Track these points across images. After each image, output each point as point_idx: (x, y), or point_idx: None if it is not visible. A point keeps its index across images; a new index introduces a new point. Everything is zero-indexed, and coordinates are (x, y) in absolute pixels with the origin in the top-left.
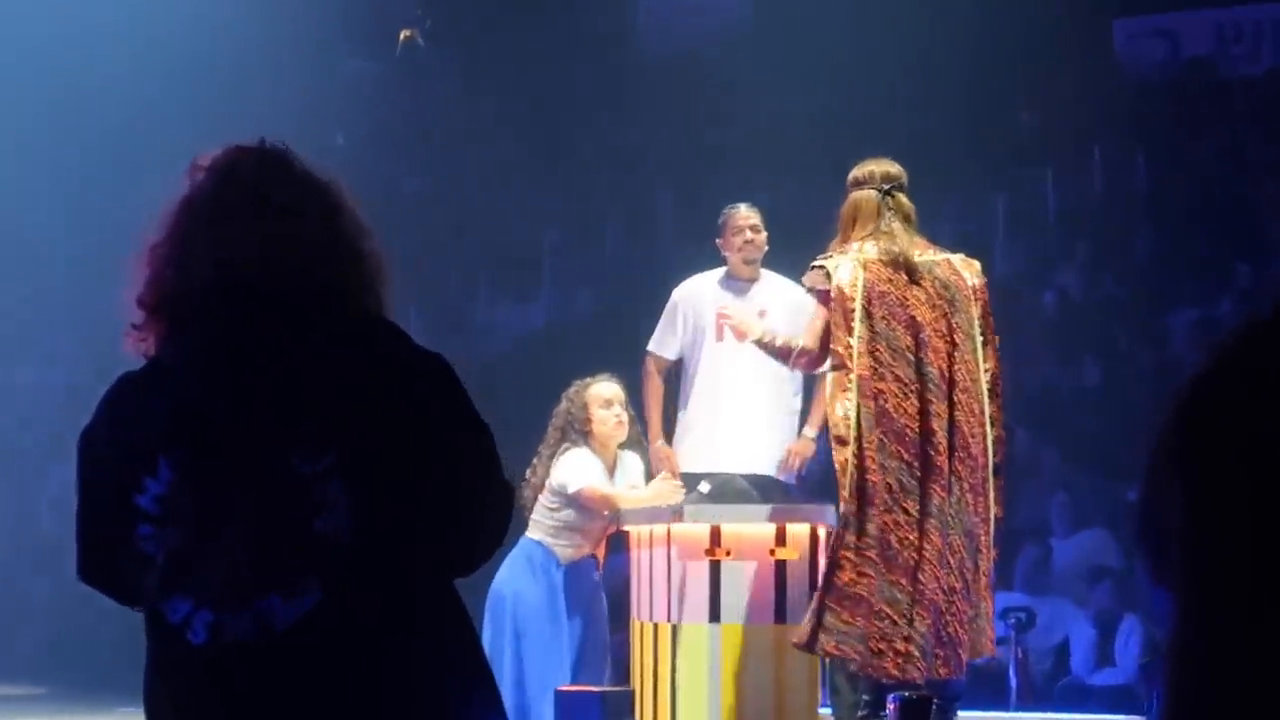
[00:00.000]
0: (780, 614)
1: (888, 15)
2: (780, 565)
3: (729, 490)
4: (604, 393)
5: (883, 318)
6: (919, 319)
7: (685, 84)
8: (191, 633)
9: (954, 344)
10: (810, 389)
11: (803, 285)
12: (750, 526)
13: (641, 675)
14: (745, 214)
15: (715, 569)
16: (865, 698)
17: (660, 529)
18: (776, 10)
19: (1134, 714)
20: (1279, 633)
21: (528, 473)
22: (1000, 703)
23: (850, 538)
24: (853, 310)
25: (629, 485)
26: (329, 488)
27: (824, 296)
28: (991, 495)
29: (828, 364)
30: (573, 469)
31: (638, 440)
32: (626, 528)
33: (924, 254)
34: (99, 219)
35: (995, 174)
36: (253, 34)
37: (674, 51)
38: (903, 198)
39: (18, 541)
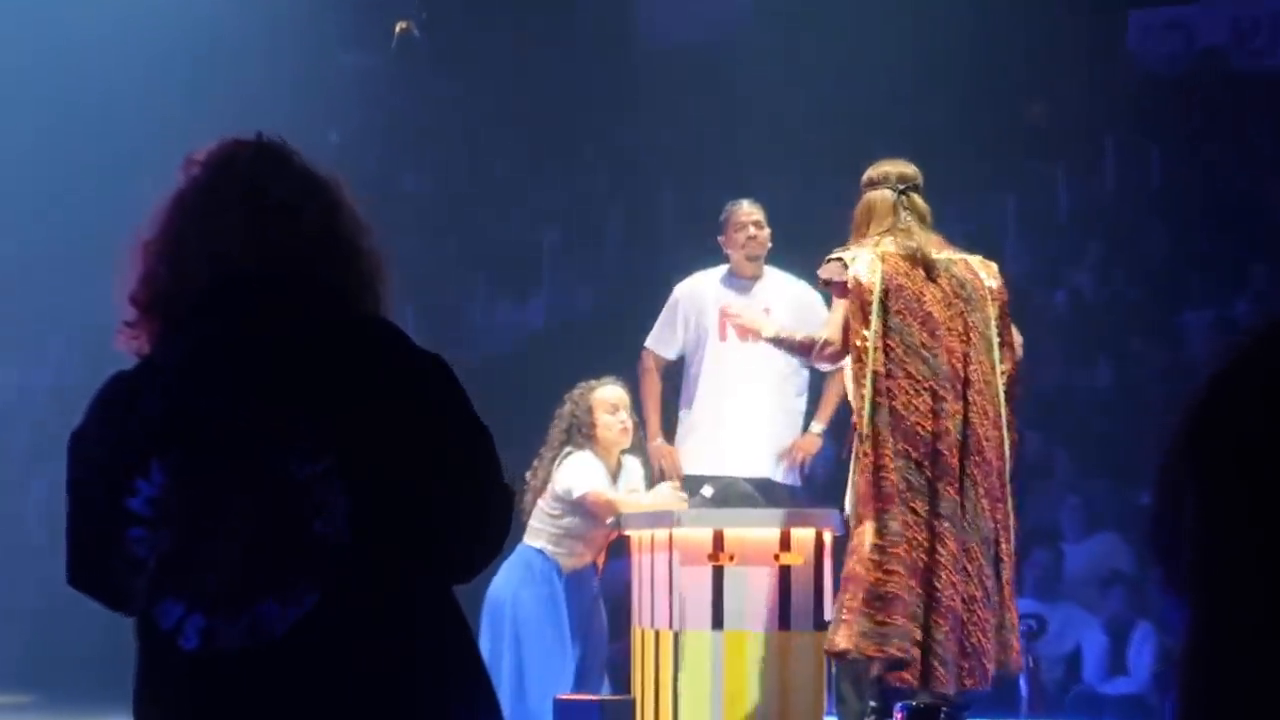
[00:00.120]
0: (785, 621)
1: (892, 8)
2: (785, 571)
3: (732, 494)
4: (610, 397)
5: (898, 311)
6: (935, 315)
7: (686, 79)
8: (183, 638)
9: (969, 344)
10: (814, 388)
11: (819, 277)
12: (754, 531)
13: (642, 683)
14: (748, 210)
15: (718, 574)
16: (872, 704)
17: (662, 533)
18: (779, 4)
19: None
20: None
21: (527, 476)
22: (1010, 712)
23: (870, 536)
24: (870, 302)
25: (630, 489)
26: (326, 490)
27: (841, 288)
28: (1009, 502)
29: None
30: (577, 473)
31: (638, 443)
32: (628, 532)
33: (941, 252)
34: (85, 216)
35: (1004, 171)
36: (243, 28)
37: (675, 46)
38: (918, 199)
39: (3, 546)
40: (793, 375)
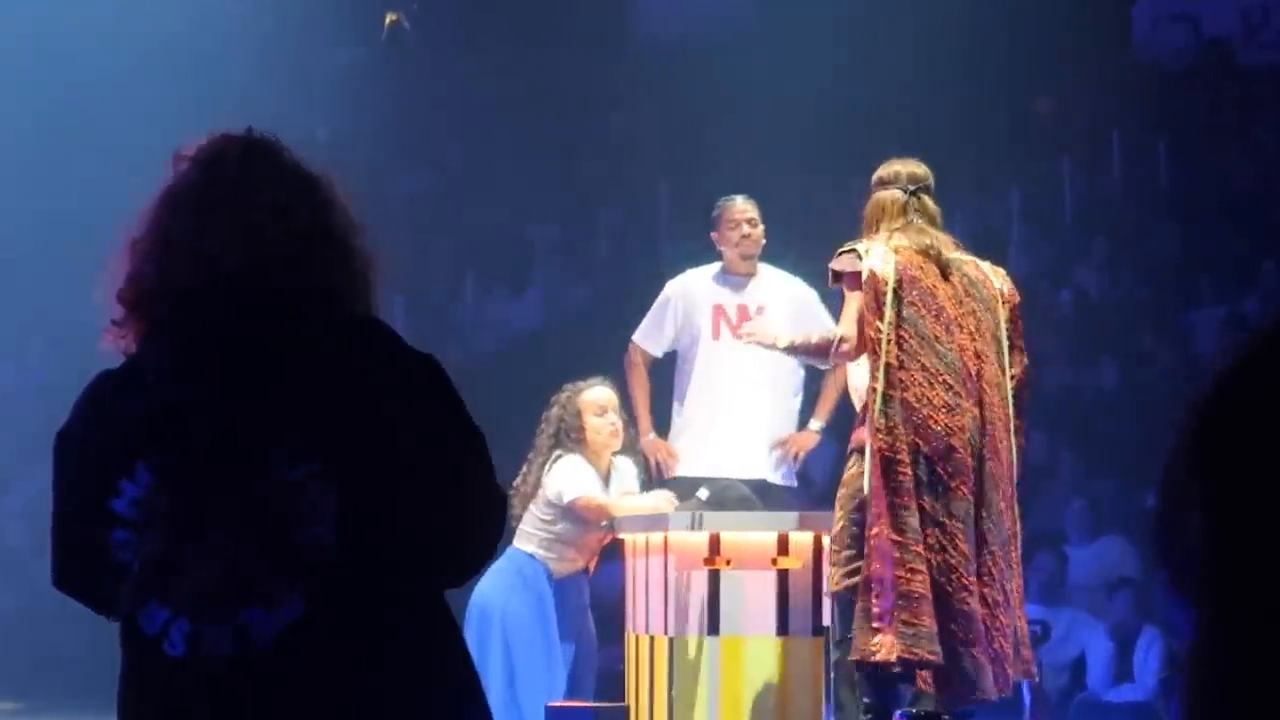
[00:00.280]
0: (783, 626)
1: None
2: (783, 575)
3: (729, 497)
4: (598, 399)
5: (911, 303)
6: (948, 310)
7: (683, 73)
8: (169, 644)
9: (981, 342)
10: (810, 387)
11: (830, 270)
12: (751, 534)
13: (636, 690)
14: (742, 206)
15: (714, 579)
16: (866, 700)
17: (657, 537)
18: None
19: None
20: None
21: (517, 481)
22: None
23: (889, 533)
24: (884, 293)
25: (624, 491)
26: (315, 495)
27: (854, 279)
28: (1017, 509)
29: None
30: (567, 478)
31: (630, 444)
32: (622, 536)
33: (953, 252)
34: (68, 212)
35: (1008, 166)
36: (229, 20)
37: (672, 38)
38: (928, 200)
39: None
40: (789, 374)
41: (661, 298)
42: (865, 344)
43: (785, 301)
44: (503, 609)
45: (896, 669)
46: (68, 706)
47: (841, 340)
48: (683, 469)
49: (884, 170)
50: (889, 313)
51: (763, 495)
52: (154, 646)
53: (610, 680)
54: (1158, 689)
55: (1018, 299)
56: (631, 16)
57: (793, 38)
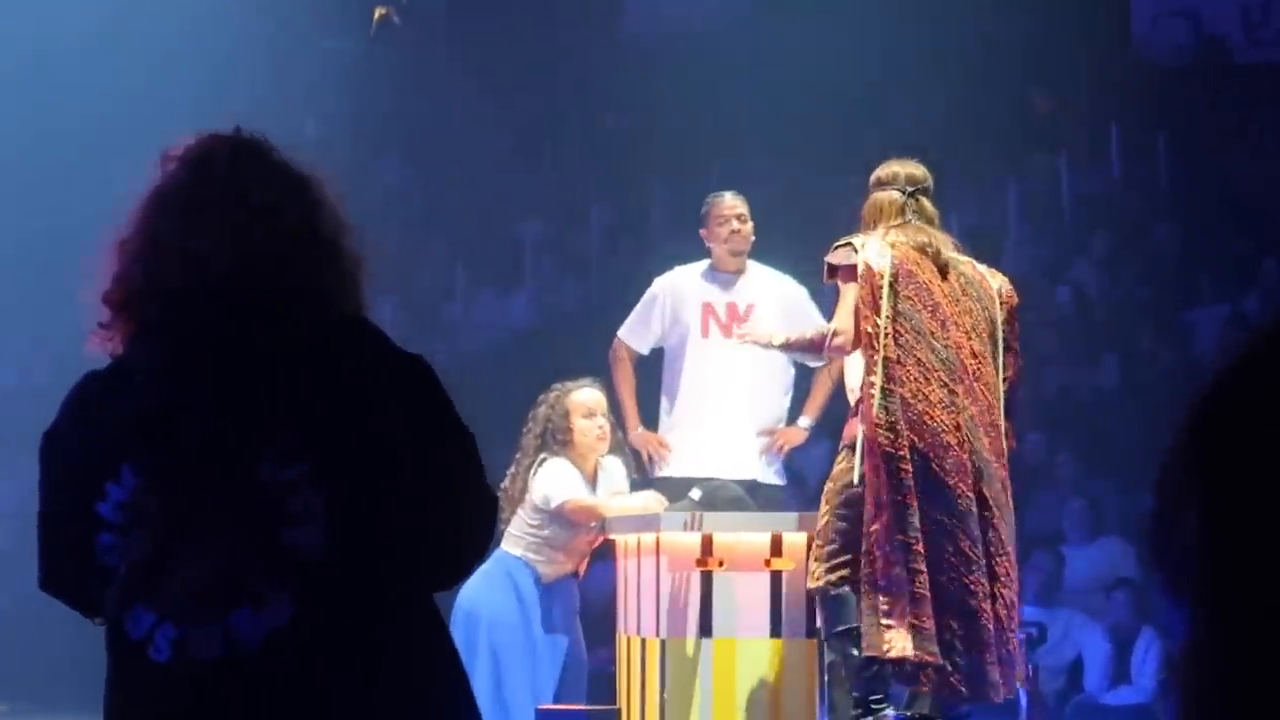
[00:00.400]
0: (776, 628)
1: None
2: (776, 576)
3: (720, 498)
4: (587, 401)
5: (907, 297)
6: (944, 307)
7: (677, 66)
8: (154, 649)
9: (977, 342)
10: (800, 386)
11: (826, 263)
12: (744, 536)
13: (628, 693)
14: (731, 202)
15: (707, 580)
16: (855, 695)
17: (649, 538)
18: None
19: None
20: None
21: (505, 483)
22: None
23: (892, 531)
24: (881, 286)
25: (613, 491)
26: (303, 497)
27: (850, 272)
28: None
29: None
30: (553, 483)
31: (618, 446)
32: (613, 537)
33: (951, 252)
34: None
35: (1006, 163)
36: (216, 15)
37: (665, 36)
38: (926, 202)
39: None
40: (778, 373)
41: (649, 294)
42: (861, 338)
43: (775, 299)
44: (490, 612)
45: (909, 667)
46: (56, 708)
47: (835, 333)
48: (672, 469)
49: (882, 171)
50: (885, 306)
51: (752, 493)
52: (139, 651)
53: (601, 682)
54: (1156, 691)
55: (1015, 301)
56: (623, 13)
57: (786, 35)
